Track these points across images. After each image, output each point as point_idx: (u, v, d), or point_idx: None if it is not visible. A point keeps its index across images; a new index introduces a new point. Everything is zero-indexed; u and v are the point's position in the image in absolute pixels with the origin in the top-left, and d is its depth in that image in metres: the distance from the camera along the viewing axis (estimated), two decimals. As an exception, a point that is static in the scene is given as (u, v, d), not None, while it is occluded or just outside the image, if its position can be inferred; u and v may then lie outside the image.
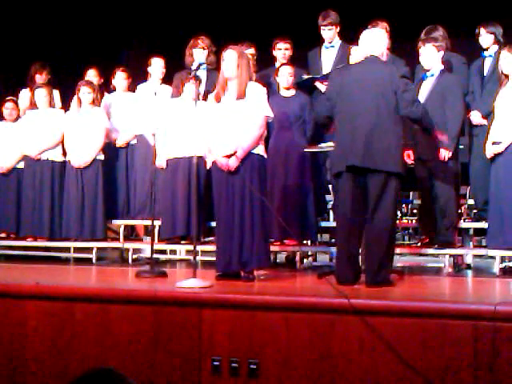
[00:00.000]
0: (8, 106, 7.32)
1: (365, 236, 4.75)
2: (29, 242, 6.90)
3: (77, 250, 6.90)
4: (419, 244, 6.00)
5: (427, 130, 5.13)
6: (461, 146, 5.93)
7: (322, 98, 5.46)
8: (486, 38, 6.16)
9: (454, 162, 5.71)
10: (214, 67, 6.61)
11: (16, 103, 7.42)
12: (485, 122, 5.91)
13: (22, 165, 7.15)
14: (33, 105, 7.16)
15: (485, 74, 6.14)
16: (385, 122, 4.65)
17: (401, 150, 4.74)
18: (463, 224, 6.16)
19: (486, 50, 6.18)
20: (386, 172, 4.60)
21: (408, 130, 5.91)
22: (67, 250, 6.93)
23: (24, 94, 7.52)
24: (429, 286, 5.20)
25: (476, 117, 6.06)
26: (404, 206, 6.77)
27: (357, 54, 5.19)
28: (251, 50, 6.54)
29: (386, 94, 4.67)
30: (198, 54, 6.71)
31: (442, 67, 5.84)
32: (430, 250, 5.78)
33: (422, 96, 5.80)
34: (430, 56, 5.83)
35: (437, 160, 5.64)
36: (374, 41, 4.89)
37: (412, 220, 6.81)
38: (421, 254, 5.99)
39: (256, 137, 4.93)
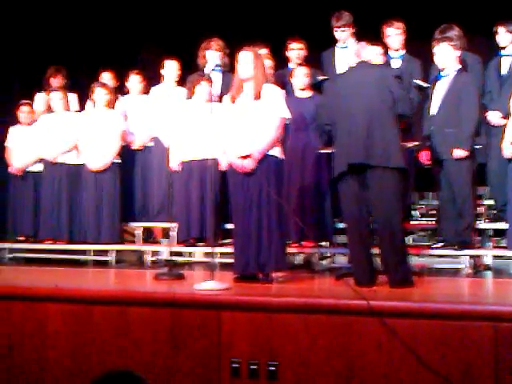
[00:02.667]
0: (24, 110, 7.35)
1: (376, 235, 4.76)
2: (47, 245, 6.94)
3: (95, 252, 6.92)
4: (438, 245, 5.96)
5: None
6: (478, 146, 5.89)
7: (320, 108, 5.55)
8: (504, 36, 6.12)
9: (470, 162, 5.68)
10: (228, 69, 6.62)
11: (32, 107, 7.46)
12: (504, 121, 5.88)
13: (39, 168, 7.18)
14: (48, 108, 7.20)
15: (502, 73, 6.10)
16: (381, 121, 4.69)
17: (400, 146, 4.76)
18: (482, 225, 6.12)
19: (503, 48, 6.14)
20: (387, 168, 4.62)
21: (422, 130, 5.94)
22: (85, 252, 6.95)
23: (40, 98, 7.55)
24: (448, 287, 5.16)
25: (495, 117, 6.02)
26: (422, 207, 6.75)
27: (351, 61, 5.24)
28: (264, 50, 6.54)
29: (380, 93, 4.73)
30: (212, 55, 6.71)
31: (458, 67, 5.81)
32: (449, 251, 5.76)
33: (438, 96, 5.79)
34: (445, 55, 5.81)
35: (453, 160, 5.62)
36: (363, 50, 4.99)
37: (430, 221, 6.77)
38: (439, 255, 5.96)
39: (272, 138, 4.92)
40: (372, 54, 5.11)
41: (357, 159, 4.67)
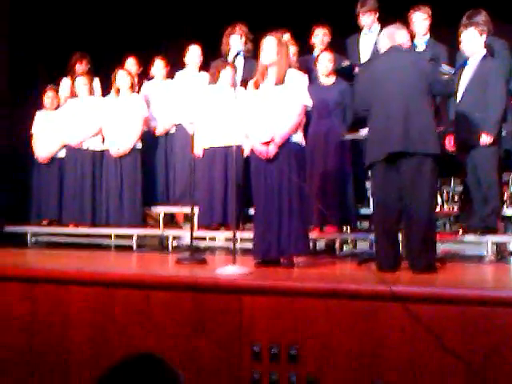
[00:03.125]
0: (49, 95, 7.42)
1: (404, 222, 4.71)
2: (70, 229, 7.00)
3: (117, 237, 6.97)
4: (461, 231, 5.92)
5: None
6: (504, 132, 5.82)
7: (355, 95, 5.49)
8: (532, 22, 6.04)
9: (496, 148, 5.62)
10: (251, 55, 6.59)
11: (57, 92, 7.51)
12: (531, 108, 5.81)
13: (63, 153, 7.24)
14: (73, 93, 7.24)
15: (531, 59, 6.02)
16: (417, 106, 4.64)
17: (436, 131, 4.71)
18: (506, 211, 6.06)
19: (532, 33, 6.06)
20: (422, 154, 4.57)
21: (448, 115, 5.88)
22: (108, 236, 7.00)
23: (65, 83, 7.60)
24: (471, 273, 5.13)
25: (521, 103, 5.95)
26: (445, 192, 6.70)
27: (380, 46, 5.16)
28: (288, 36, 6.50)
29: (415, 78, 4.67)
30: (235, 41, 6.70)
31: (485, 52, 5.74)
32: (473, 238, 5.71)
33: (464, 82, 5.73)
34: (472, 41, 5.74)
35: (479, 146, 5.56)
36: (398, 33, 4.92)
37: (453, 207, 6.73)
38: (463, 242, 5.91)
39: (294, 124, 4.91)
40: (405, 37, 5.02)
41: (395, 148, 4.60)
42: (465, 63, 5.82)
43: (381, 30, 6.45)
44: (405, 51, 4.91)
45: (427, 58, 4.94)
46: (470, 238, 5.75)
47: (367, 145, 4.87)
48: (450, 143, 5.88)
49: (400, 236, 4.83)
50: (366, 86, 4.93)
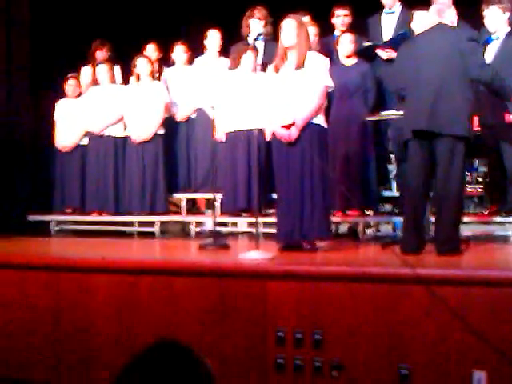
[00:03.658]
0: (70, 83, 7.44)
1: (433, 204, 4.66)
2: (93, 217, 7.03)
3: (140, 224, 6.99)
4: (486, 212, 5.85)
5: (498, 94, 4.97)
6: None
7: (393, 71, 5.38)
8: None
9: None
10: (271, 38, 6.54)
11: (78, 80, 7.52)
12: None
13: (85, 141, 7.26)
14: (94, 81, 7.25)
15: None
16: (452, 87, 4.55)
17: (469, 115, 4.63)
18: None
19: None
20: (454, 137, 4.49)
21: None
22: (131, 224, 7.03)
23: (86, 71, 7.60)
24: (496, 254, 5.08)
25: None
26: (469, 174, 6.63)
27: (425, 22, 5.04)
28: (307, 18, 6.44)
29: (453, 58, 4.57)
30: (255, 24, 6.65)
31: (509, 29, 5.64)
32: (498, 219, 5.65)
33: (488, 59, 5.62)
34: (495, 18, 5.66)
35: (503, 125, 5.48)
36: (448, 11, 4.82)
37: (477, 188, 6.66)
38: (487, 223, 5.85)
39: (315, 107, 4.87)
40: (454, 16, 4.90)
41: (421, 126, 4.56)
42: (489, 40, 5.73)
43: (402, 9, 6.43)
44: (449, 30, 4.79)
45: (469, 37, 4.73)
46: (494, 219, 5.69)
47: (402, 124, 4.80)
48: (474, 123, 5.80)
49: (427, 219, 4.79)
50: (404, 63, 4.84)
